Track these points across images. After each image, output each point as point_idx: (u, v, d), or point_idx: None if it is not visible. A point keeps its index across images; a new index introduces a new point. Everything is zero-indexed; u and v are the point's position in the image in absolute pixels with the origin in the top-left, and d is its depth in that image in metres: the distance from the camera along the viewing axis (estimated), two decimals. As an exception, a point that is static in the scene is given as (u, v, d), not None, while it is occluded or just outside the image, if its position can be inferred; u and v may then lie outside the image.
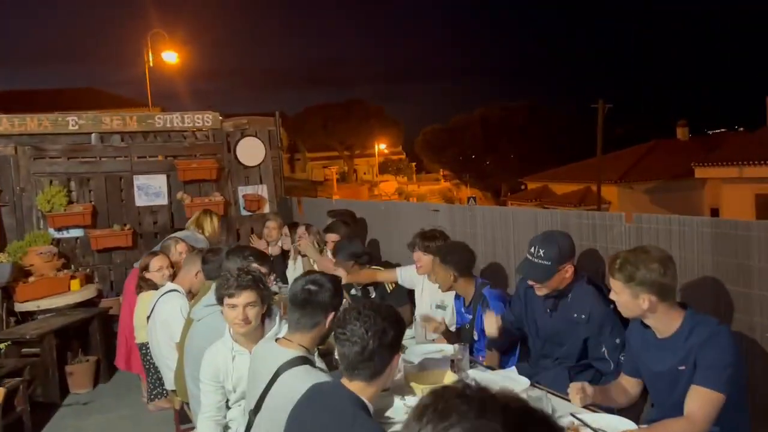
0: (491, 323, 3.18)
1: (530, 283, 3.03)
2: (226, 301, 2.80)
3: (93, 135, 6.56)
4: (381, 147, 45.42)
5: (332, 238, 4.90)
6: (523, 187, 31.45)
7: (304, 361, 2.39)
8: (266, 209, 7.10)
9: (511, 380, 2.84)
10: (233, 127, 7.06)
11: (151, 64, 16.90)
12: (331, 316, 2.48)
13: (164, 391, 5.07)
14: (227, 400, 2.94)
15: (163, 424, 4.70)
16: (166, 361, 4.15)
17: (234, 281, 2.80)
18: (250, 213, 7.09)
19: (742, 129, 34.22)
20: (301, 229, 5.37)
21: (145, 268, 4.63)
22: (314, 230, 5.38)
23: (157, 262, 4.62)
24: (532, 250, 2.97)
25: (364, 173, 44.57)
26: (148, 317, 4.33)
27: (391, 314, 2.15)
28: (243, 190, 7.12)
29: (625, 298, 2.35)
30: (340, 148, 44.34)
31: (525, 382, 2.81)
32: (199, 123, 6.87)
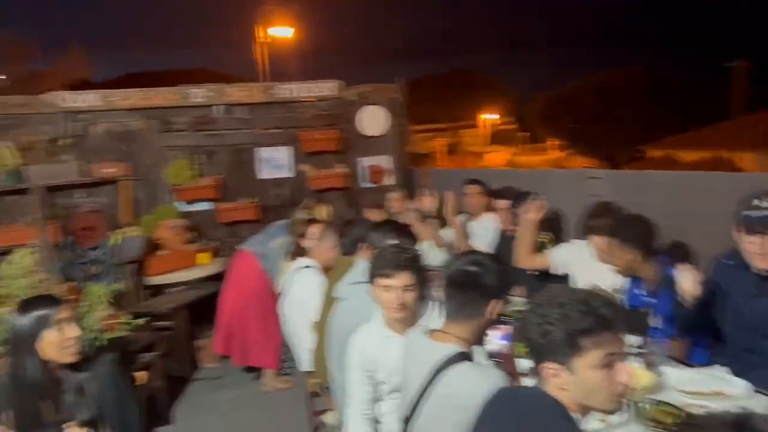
0: (691, 279, 2.57)
1: (753, 252, 2.47)
2: (381, 281, 2.46)
3: (216, 107, 6.48)
4: (490, 117, 44.22)
5: (502, 204, 4.43)
6: (642, 155, 29.44)
7: (463, 357, 2.00)
8: (389, 181, 6.79)
9: (723, 381, 2.33)
10: (356, 95, 6.76)
11: (264, 41, 17.01)
12: (493, 304, 2.07)
13: (287, 370, 4.93)
14: (379, 392, 2.63)
15: (291, 404, 4.53)
16: (300, 342, 3.93)
17: (392, 260, 2.45)
18: (373, 185, 6.80)
19: None
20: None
21: (302, 235, 4.38)
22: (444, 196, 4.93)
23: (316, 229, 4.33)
24: (756, 202, 2.42)
25: (471, 145, 43.59)
26: (282, 294, 4.13)
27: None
28: (365, 161, 6.84)
29: None
30: (447, 120, 43.54)
31: (743, 385, 2.29)
32: (322, 92, 6.62)
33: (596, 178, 4.05)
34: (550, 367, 1.57)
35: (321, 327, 3.38)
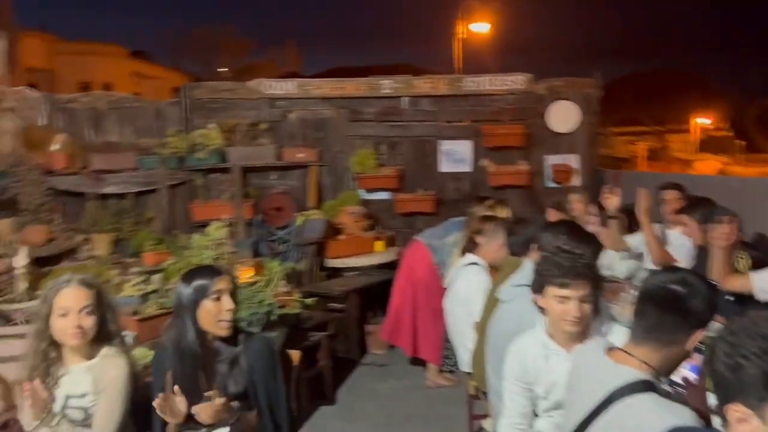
0: None
1: None
2: (555, 291, 2.23)
3: (403, 98, 6.54)
4: (701, 122, 40.30)
5: (684, 219, 3.93)
6: None
7: (648, 386, 1.71)
8: (575, 182, 6.38)
9: None
10: (546, 90, 6.44)
11: (462, 36, 16.99)
12: (696, 334, 1.74)
13: (450, 367, 4.81)
14: (535, 407, 2.42)
15: (452, 404, 4.41)
16: (462, 340, 3.81)
17: (569, 267, 2.22)
18: (557, 185, 6.44)
19: None
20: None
21: (477, 231, 4.28)
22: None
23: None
24: None
25: (678, 151, 40.09)
26: (448, 289, 4.04)
27: None
28: (550, 159, 6.50)
29: None
30: (650, 123, 40.49)
31: None
32: (509, 85, 6.41)
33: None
34: (737, 410, 1.28)
35: (482, 328, 3.22)
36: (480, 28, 16.83)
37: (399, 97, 6.54)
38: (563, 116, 6.40)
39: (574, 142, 6.44)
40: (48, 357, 2.22)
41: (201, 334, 2.27)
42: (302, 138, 6.53)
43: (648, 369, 1.74)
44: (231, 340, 2.31)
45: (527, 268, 2.91)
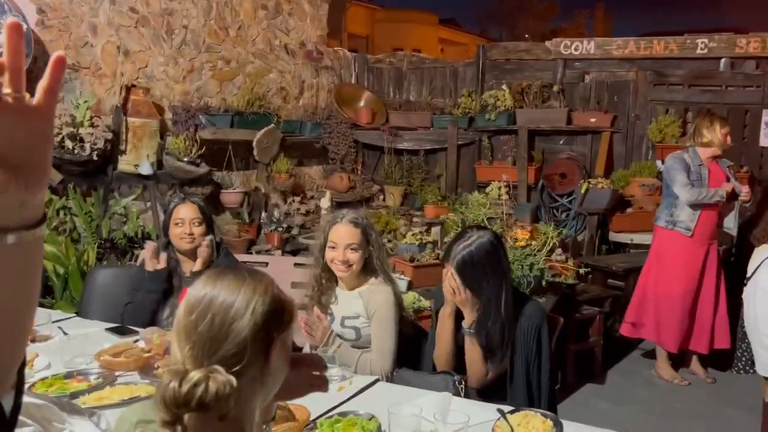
0: None
1: None
2: None
3: (722, 60, 5.71)
4: None
5: None
6: None
7: None
8: None
9: None
10: None
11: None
12: None
13: (746, 368, 4.15)
14: None
15: (738, 407, 3.83)
16: (761, 338, 3.24)
17: None
18: None
19: None
20: None
21: None
22: None
23: None
24: None
25: None
26: (749, 278, 3.46)
27: None
28: None
29: None
30: None
31: None
32: None
33: None
34: None
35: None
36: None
37: (717, 58, 5.73)
38: None
39: None
40: (321, 283, 2.46)
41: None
42: (597, 102, 6.15)
43: None
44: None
45: None
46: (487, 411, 1.96)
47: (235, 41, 5.59)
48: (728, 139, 4.18)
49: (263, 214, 5.48)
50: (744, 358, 3.99)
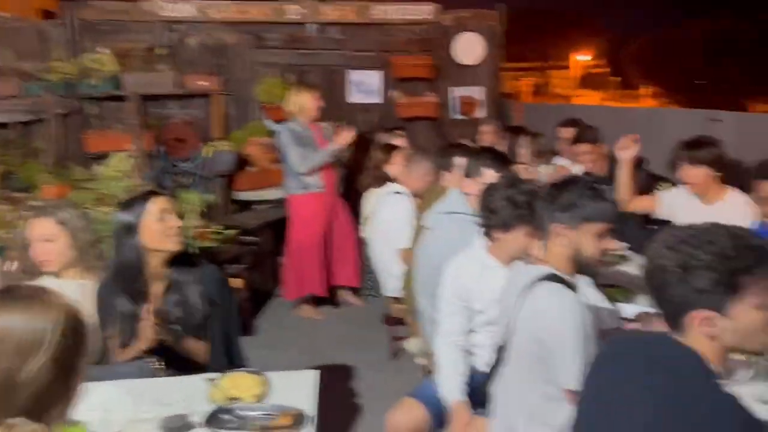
0: None
1: None
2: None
3: (310, 25, 6.34)
4: (582, 59, 42.15)
5: (584, 148, 4.16)
6: (746, 111, 27.44)
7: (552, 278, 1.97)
8: (480, 113, 6.55)
9: None
10: (453, 21, 6.47)
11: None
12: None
13: (369, 293, 4.94)
14: (473, 322, 2.55)
15: (370, 327, 4.54)
16: (386, 266, 3.90)
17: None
18: (463, 117, 6.58)
19: None
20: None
21: (384, 161, 4.30)
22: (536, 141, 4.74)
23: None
24: None
25: (559, 87, 41.86)
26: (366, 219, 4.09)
27: None
28: (456, 91, 6.60)
29: None
30: (535, 59, 41.83)
31: None
32: (417, 15, 6.37)
33: (717, 120, 3.70)
34: (701, 316, 1.36)
35: (409, 256, 3.31)
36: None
37: (306, 23, 6.33)
38: (469, 48, 6.48)
39: (480, 75, 6.56)
40: None
41: (143, 250, 2.20)
42: (203, 65, 6.20)
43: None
44: (183, 265, 2.26)
45: (452, 195, 3.01)
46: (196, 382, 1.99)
47: None
48: (319, 101, 4.81)
49: None
50: (369, 286, 4.71)
